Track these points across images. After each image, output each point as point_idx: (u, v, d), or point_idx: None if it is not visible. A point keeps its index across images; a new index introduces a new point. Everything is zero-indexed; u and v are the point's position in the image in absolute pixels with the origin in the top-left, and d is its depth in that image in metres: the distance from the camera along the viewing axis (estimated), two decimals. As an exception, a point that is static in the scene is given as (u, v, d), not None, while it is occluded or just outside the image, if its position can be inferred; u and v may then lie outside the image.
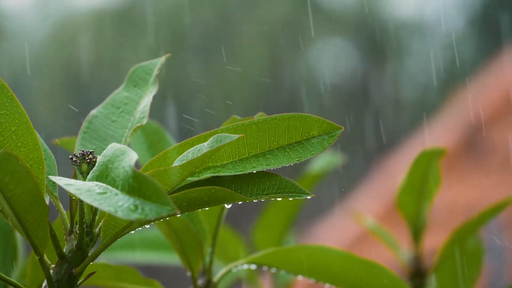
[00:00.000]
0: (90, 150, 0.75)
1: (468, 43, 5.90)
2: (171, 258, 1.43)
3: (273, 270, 0.96)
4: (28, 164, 0.74)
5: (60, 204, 0.78)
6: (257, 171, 0.75)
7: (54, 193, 0.79)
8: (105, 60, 5.82)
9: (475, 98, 3.25)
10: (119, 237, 0.73)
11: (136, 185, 0.64)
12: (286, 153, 0.75)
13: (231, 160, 0.76)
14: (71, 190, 0.66)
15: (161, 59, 0.86)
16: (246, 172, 0.75)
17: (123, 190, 0.65)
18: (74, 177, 0.76)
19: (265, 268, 0.97)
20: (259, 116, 0.80)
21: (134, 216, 0.62)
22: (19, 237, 1.03)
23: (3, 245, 1.01)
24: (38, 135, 0.76)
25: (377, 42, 6.00)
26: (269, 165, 0.75)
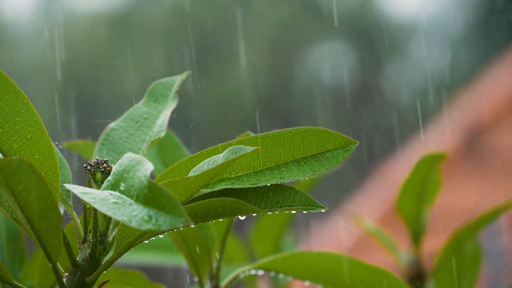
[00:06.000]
0: (105, 159, 0.75)
1: (468, 46, 5.90)
2: (172, 259, 1.43)
3: (280, 275, 0.96)
4: (42, 172, 0.74)
5: (74, 212, 0.79)
6: (271, 184, 0.75)
7: (68, 202, 0.78)
8: (106, 63, 5.82)
9: (475, 102, 3.26)
10: (132, 246, 0.73)
11: (151, 195, 0.64)
12: (301, 166, 0.75)
13: (245, 172, 0.75)
14: (86, 198, 0.66)
15: (182, 76, 0.86)
16: (260, 185, 0.75)
17: (137, 200, 0.65)
18: (88, 186, 0.76)
19: (272, 273, 0.97)
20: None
21: (148, 226, 0.62)
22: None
23: (11, 250, 1.01)
24: (53, 143, 0.76)
25: (377, 45, 6.00)
26: (283, 178, 0.75)
